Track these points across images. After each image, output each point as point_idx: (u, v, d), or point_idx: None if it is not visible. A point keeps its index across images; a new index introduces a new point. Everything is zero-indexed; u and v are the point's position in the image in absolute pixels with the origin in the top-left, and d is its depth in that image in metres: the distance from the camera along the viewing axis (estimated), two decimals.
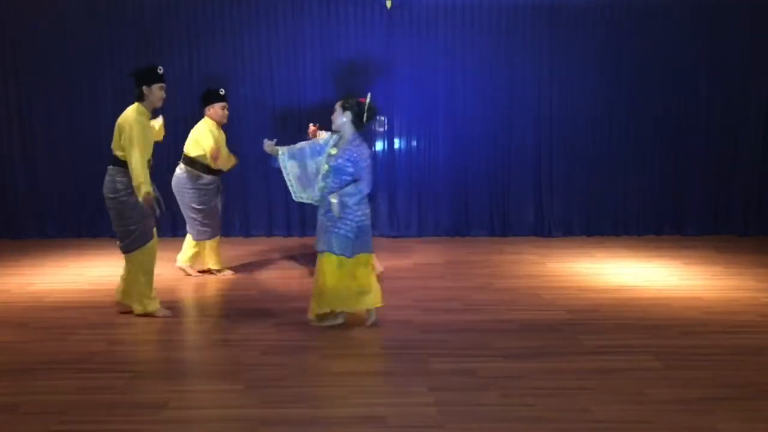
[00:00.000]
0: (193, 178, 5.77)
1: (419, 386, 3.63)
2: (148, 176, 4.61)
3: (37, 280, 5.96)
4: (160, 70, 4.72)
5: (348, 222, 4.45)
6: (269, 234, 7.97)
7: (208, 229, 5.88)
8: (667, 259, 6.68)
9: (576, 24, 7.63)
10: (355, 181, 4.46)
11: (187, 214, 5.89)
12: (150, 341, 4.52)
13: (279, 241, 7.68)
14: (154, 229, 4.84)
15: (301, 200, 4.71)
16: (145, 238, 4.75)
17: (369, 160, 4.50)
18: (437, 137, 7.87)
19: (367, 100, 4.54)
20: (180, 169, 5.84)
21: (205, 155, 5.69)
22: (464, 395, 3.53)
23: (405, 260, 6.72)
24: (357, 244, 4.51)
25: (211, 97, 5.85)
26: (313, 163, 4.61)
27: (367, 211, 4.58)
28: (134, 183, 4.56)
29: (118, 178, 4.65)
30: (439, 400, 3.46)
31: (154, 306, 4.87)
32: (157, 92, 4.71)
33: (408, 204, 7.95)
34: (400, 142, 7.93)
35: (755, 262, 6.54)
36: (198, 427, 3.23)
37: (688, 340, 4.38)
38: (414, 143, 7.92)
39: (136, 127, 4.56)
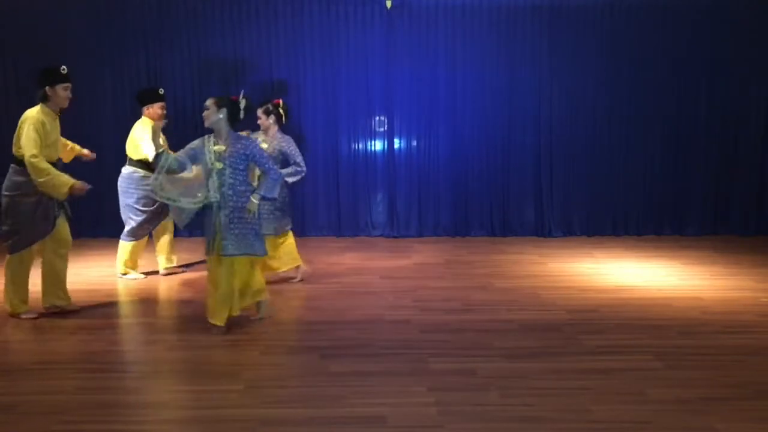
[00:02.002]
0: (139, 179, 5.67)
1: (419, 386, 3.63)
2: (49, 169, 4.47)
3: (38, 280, 5.94)
4: (64, 70, 4.60)
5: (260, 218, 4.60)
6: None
7: (144, 232, 5.82)
8: (667, 259, 6.67)
9: (576, 24, 7.63)
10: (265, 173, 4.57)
11: (127, 215, 5.77)
12: (150, 341, 4.51)
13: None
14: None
15: (165, 200, 4.50)
16: (27, 243, 4.66)
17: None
18: (437, 137, 7.87)
19: (241, 97, 4.58)
20: (126, 169, 5.76)
21: (147, 157, 5.52)
22: (464, 395, 3.52)
23: (405, 260, 6.72)
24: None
25: (151, 97, 5.77)
26: (196, 168, 4.52)
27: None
28: (39, 181, 4.46)
29: (14, 178, 4.58)
30: (439, 400, 3.45)
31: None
32: (61, 93, 4.59)
33: (408, 204, 7.94)
34: (400, 142, 7.93)
35: (755, 262, 6.53)
36: (198, 427, 3.23)
37: (688, 340, 4.38)
38: (414, 143, 7.92)
39: (30, 127, 4.45)
